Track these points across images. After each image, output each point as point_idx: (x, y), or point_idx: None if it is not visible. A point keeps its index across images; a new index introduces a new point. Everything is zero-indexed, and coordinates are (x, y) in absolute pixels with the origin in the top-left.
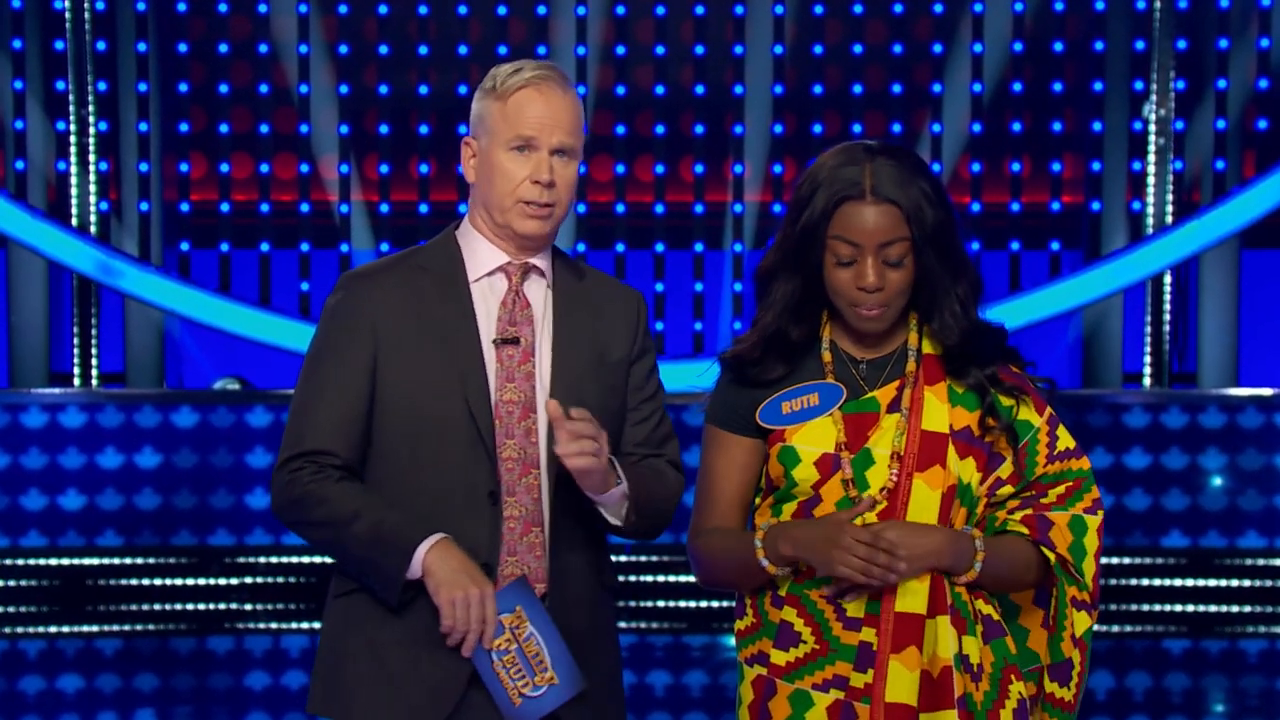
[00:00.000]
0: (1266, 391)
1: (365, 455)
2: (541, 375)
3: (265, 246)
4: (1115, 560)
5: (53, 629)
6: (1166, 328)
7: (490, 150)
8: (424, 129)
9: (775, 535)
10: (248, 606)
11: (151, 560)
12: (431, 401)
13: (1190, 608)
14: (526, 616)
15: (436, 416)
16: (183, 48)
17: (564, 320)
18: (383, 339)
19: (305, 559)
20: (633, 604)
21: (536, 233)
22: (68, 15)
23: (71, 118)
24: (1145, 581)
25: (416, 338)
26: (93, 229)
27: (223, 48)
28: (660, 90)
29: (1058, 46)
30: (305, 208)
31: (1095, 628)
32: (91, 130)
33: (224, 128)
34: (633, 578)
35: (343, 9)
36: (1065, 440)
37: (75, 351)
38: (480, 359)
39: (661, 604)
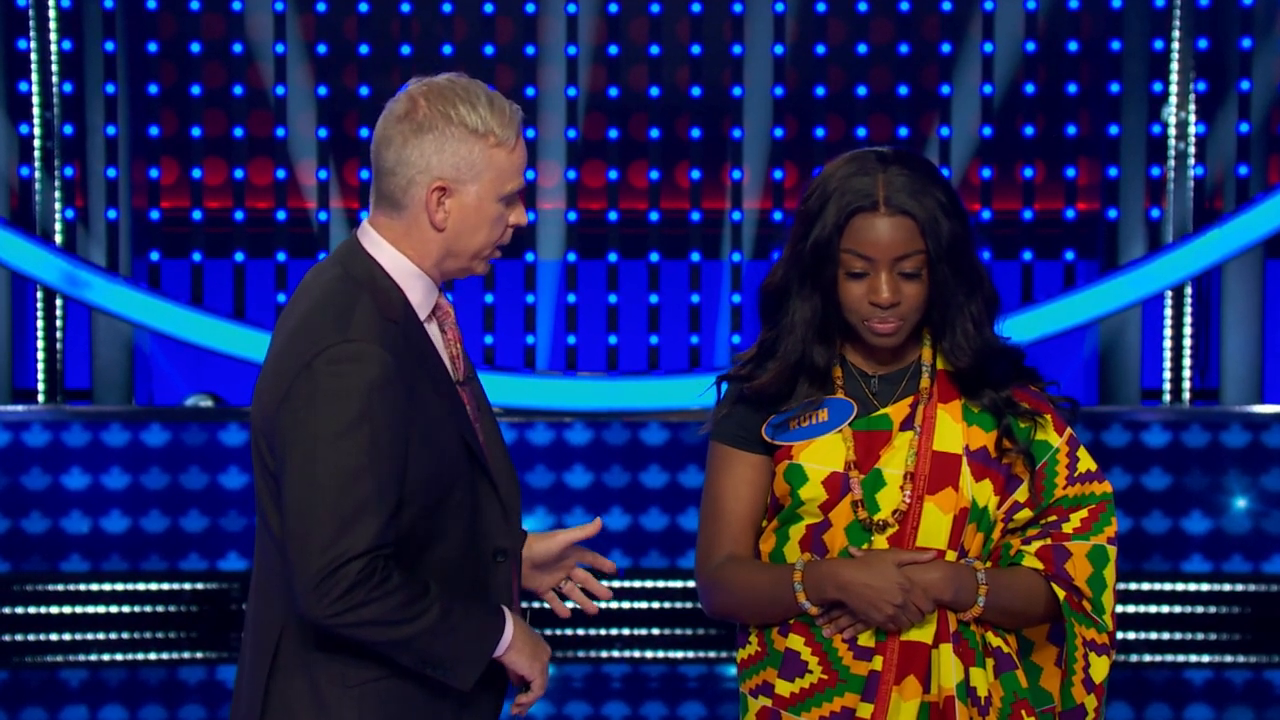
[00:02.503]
0: None
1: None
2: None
3: (240, 256)
4: (1134, 586)
5: (15, 659)
6: (1187, 341)
7: (484, 200)
8: None
9: (819, 576)
10: (220, 634)
11: (120, 586)
12: (446, 466)
13: (1213, 636)
14: None
15: (450, 480)
16: (153, 47)
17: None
18: (407, 402)
19: None
20: (626, 632)
21: (487, 271)
22: (31, 13)
23: (35, 120)
24: (1165, 608)
25: (422, 397)
26: (58, 238)
27: (195, 47)
28: (655, 92)
29: (1072, 46)
30: (282, 215)
31: (1117, 656)
32: (56, 134)
33: (196, 131)
34: (626, 604)
35: (321, 7)
36: (1086, 462)
37: (39, 367)
38: (463, 406)
39: (656, 631)
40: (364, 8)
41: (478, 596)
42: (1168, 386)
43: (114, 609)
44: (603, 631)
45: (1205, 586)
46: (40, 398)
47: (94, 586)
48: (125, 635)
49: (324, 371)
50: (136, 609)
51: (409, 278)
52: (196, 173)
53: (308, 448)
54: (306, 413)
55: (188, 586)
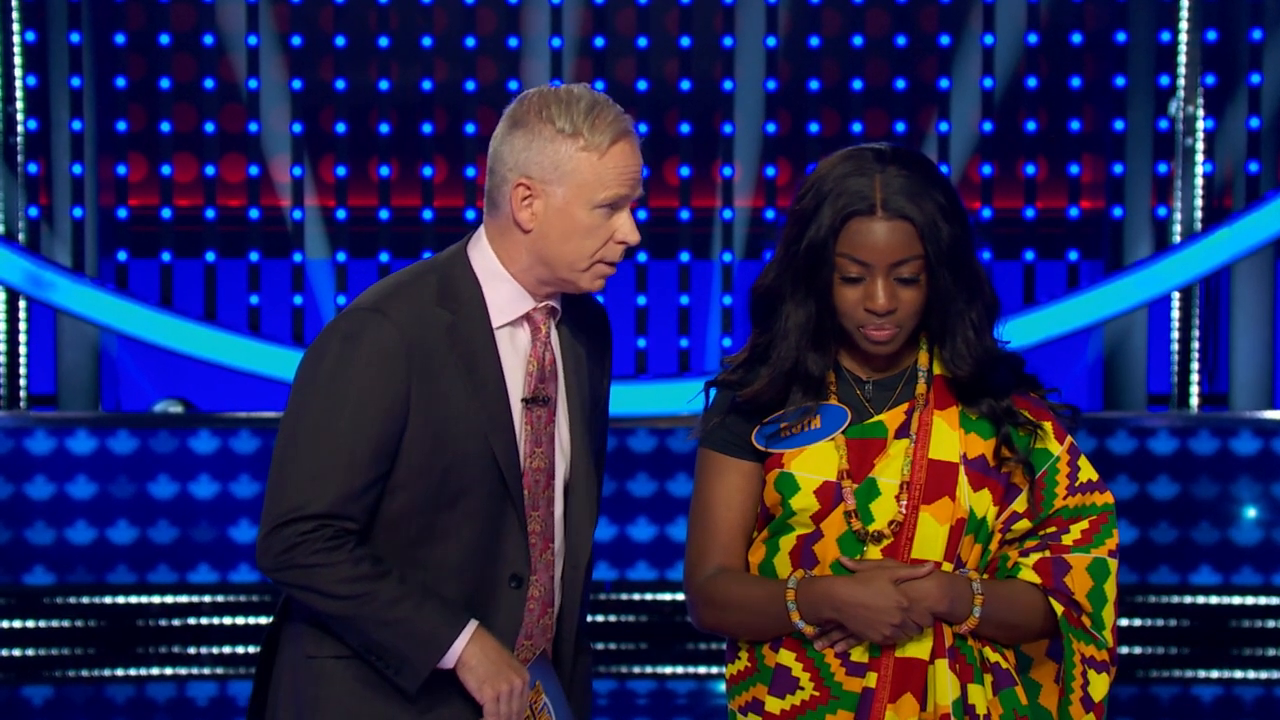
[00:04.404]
0: None
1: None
2: (560, 438)
3: (211, 256)
4: (1140, 599)
5: None
6: (1195, 345)
7: (573, 205)
8: (384, 128)
9: (814, 595)
10: (190, 650)
11: (85, 600)
12: (459, 467)
13: (1223, 651)
14: (543, 690)
15: (463, 484)
16: (120, 39)
17: (568, 369)
18: (418, 386)
19: (257, 598)
20: (613, 647)
21: (599, 289)
22: None
23: None
24: (1173, 622)
25: (448, 389)
26: (21, 237)
27: (164, 39)
28: (643, 86)
29: (1076, 38)
30: (255, 213)
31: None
32: (20, 129)
33: (165, 126)
34: (612, 617)
35: None
36: (1087, 472)
37: (1, 371)
38: (511, 421)
39: (645, 646)
40: None
41: (486, 614)
42: (1175, 392)
43: (79, 623)
44: (596, 646)
45: (1215, 599)
46: (2, 403)
47: (58, 600)
48: (91, 651)
49: (337, 333)
50: (103, 623)
51: (492, 278)
52: (166, 169)
53: (298, 402)
54: (309, 369)
55: (156, 600)
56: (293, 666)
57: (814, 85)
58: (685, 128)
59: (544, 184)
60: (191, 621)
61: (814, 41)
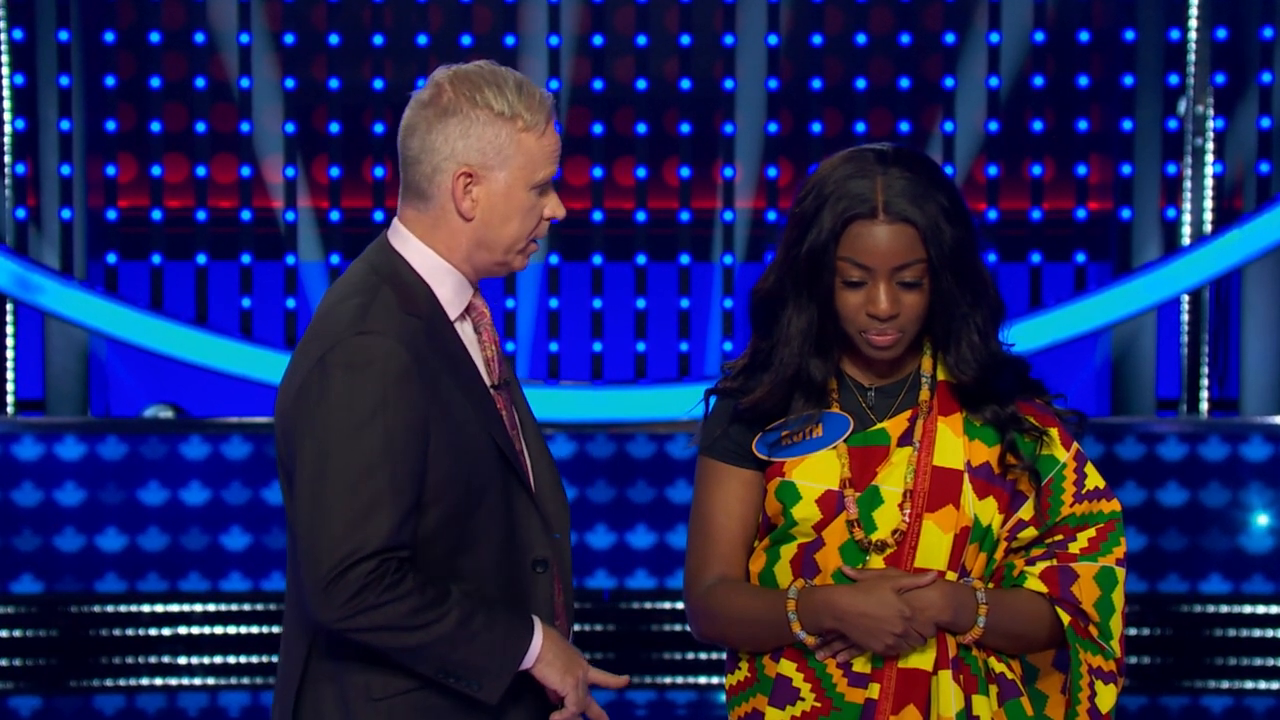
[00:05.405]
0: None
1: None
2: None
3: (202, 258)
4: (1150, 608)
5: None
6: (1205, 349)
7: (514, 188)
8: (379, 128)
9: (814, 604)
10: (181, 660)
11: (74, 609)
12: (477, 468)
13: (1233, 661)
14: None
15: (482, 485)
16: (110, 37)
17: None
18: (428, 397)
19: (248, 606)
20: (610, 656)
21: (523, 267)
22: None
23: None
24: (1183, 632)
25: (446, 395)
26: (8, 238)
27: (154, 37)
28: (642, 85)
29: (1083, 36)
30: (247, 215)
31: (1128, 682)
32: (7, 128)
33: (156, 126)
34: (610, 627)
35: None
36: (1094, 479)
37: None
38: (498, 410)
39: (643, 656)
40: None
41: (515, 607)
42: (1184, 397)
43: (68, 632)
44: (586, 656)
45: (1225, 608)
46: None
47: (46, 609)
48: (80, 661)
49: (336, 365)
50: (91, 633)
51: (437, 273)
52: (156, 170)
53: (318, 443)
54: (318, 408)
55: (146, 609)
56: (354, 714)
57: (816, 84)
58: (685, 128)
59: (485, 169)
60: (182, 630)
61: (816, 40)
